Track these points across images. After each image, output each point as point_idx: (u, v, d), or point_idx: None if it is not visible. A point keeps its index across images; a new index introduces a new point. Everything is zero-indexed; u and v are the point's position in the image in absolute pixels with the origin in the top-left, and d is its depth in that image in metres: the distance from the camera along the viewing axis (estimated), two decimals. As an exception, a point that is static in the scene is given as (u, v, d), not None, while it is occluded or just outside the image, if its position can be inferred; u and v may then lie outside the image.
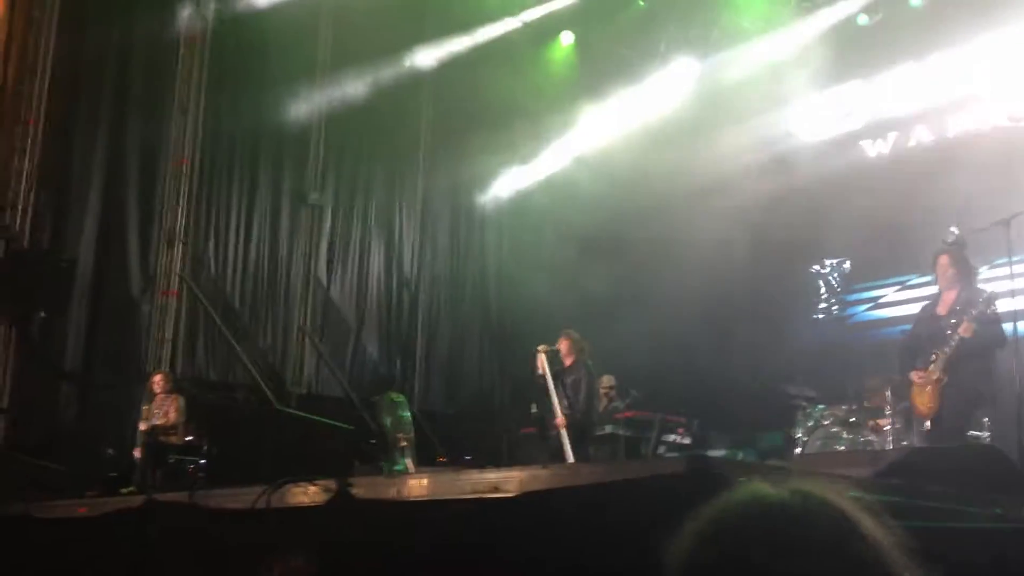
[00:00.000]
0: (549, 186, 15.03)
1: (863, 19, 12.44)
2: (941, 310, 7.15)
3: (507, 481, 3.24)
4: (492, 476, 3.33)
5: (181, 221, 11.86)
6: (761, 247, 12.47)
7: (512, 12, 14.17)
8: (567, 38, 14.63)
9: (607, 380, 11.18)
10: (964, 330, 6.75)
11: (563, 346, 9.08)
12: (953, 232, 8.98)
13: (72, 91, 11.21)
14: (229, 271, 12.37)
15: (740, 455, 11.05)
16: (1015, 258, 6.96)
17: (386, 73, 13.50)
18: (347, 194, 13.77)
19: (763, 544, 1.21)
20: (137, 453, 9.99)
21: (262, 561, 3.26)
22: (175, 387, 10.42)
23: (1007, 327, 6.85)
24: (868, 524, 1.24)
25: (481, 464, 9.41)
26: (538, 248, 15.33)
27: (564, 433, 8.51)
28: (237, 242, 12.49)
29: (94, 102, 11.41)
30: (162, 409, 10.13)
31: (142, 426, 10.07)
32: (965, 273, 7.20)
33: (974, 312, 6.76)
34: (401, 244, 14.21)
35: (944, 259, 7.25)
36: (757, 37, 13.15)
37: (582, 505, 3.00)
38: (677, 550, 1.28)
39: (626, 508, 2.87)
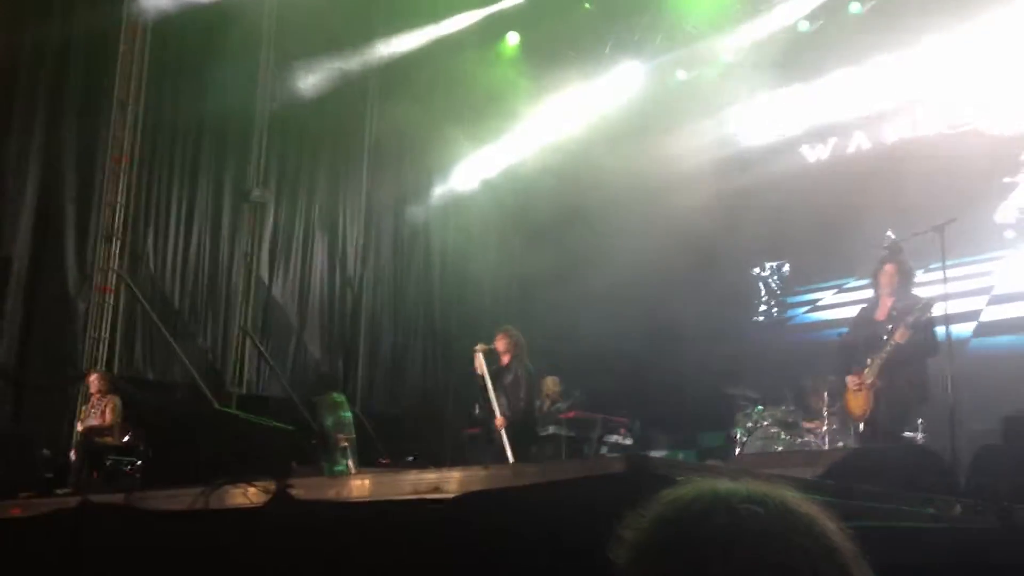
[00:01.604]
0: (494, 186, 15.06)
1: (804, 26, 12.63)
2: (879, 315, 7.28)
3: (447, 481, 3.24)
4: (432, 476, 3.33)
5: (119, 217, 11.65)
6: (702, 249, 12.61)
7: (458, 11, 14.16)
8: (513, 38, 14.65)
9: (551, 382, 11.22)
10: (899, 336, 6.88)
11: (500, 344, 9.03)
12: (889, 236, 9.17)
13: (8, 85, 10.95)
14: (168, 269, 12.17)
15: (681, 455, 11.17)
16: (949, 262, 7.11)
17: (331, 70, 13.43)
18: (290, 192, 13.63)
19: (715, 543, 1.21)
20: (73, 454, 9.83)
21: None
22: (111, 387, 10.26)
23: (940, 331, 6.99)
24: (826, 524, 1.25)
25: (424, 465, 9.39)
26: (483, 248, 15.34)
27: (504, 433, 8.51)
28: (177, 239, 12.28)
29: (30, 96, 11.16)
30: (98, 409, 9.98)
31: (78, 427, 9.92)
32: (905, 280, 7.34)
33: (910, 319, 6.89)
34: (345, 243, 14.11)
35: (891, 267, 7.38)
36: (700, 41, 13.29)
37: (522, 505, 3.00)
38: (624, 545, 1.27)
39: (567, 507, 2.87)
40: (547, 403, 11.14)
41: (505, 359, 8.99)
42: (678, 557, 1.21)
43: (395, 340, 14.42)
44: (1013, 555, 3.38)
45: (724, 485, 1.28)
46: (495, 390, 8.73)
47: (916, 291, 7.44)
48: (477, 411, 9.39)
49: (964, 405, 6.85)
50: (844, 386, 7.38)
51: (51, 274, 11.12)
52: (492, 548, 2.85)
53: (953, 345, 7.05)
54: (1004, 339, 10.59)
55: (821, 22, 12.53)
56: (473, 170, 14.95)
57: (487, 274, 15.25)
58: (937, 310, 7.05)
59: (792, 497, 1.26)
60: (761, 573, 1.18)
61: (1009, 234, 10.85)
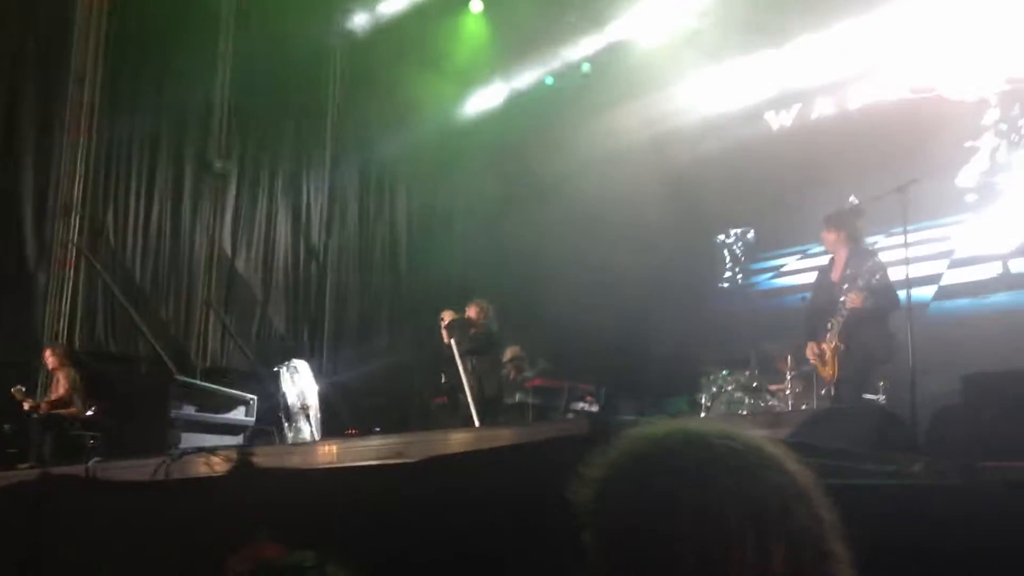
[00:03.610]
0: (459, 154, 14.97)
1: (768, -8, 12.59)
2: (834, 276, 7.35)
3: (411, 446, 3.23)
4: (395, 441, 3.32)
5: (79, 190, 11.48)
6: (668, 217, 12.62)
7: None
8: (477, 6, 14.53)
9: (513, 350, 11.22)
10: (852, 300, 6.94)
11: (471, 312, 9.05)
12: (852, 201, 9.22)
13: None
14: (129, 242, 12.01)
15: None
16: (910, 226, 7.15)
17: (293, 38, 13.25)
18: (252, 162, 13.47)
19: (691, 474, 1.20)
20: (33, 428, 9.75)
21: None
22: (65, 359, 10.17)
23: (900, 293, 7.05)
24: (794, 465, 1.26)
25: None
26: (448, 217, 15.29)
27: (472, 402, 8.50)
28: (138, 212, 12.12)
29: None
30: (52, 383, 9.93)
31: (31, 402, 9.85)
32: (853, 239, 7.39)
33: (860, 283, 6.95)
34: (308, 213, 14.00)
35: (830, 236, 7.45)
36: (664, 8, 13.24)
37: (486, 468, 3.00)
38: (589, 482, 1.26)
39: (531, 470, 2.87)
40: (513, 372, 11.15)
41: (475, 328, 8.98)
42: (652, 488, 1.20)
43: (361, 310, 14.36)
44: (973, 511, 3.42)
45: (693, 424, 1.28)
46: (463, 358, 8.72)
47: (870, 249, 7.51)
48: (444, 380, 9.39)
49: (924, 367, 6.90)
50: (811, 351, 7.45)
51: (10, 248, 10.95)
52: (455, 511, 2.84)
53: (914, 308, 7.09)
54: (963, 302, 10.70)
55: (785, -12, 12.51)
56: (437, 138, 14.85)
57: (453, 242, 15.21)
58: (898, 273, 7.10)
59: (761, 437, 1.28)
60: (736, 505, 1.19)
61: (970, 198, 10.95)
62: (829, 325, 7.14)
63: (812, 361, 7.30)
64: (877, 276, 6.97)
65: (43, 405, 9.84)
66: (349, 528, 3.19)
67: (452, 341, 8.74)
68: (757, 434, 1.30)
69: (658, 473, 1.22)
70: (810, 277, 9.88)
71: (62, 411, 9.81)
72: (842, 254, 7.37)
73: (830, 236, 7.45)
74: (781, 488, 1.22)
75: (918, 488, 3.69)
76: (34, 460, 9.03)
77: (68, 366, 10.10)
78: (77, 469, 4.57)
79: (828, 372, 7.23)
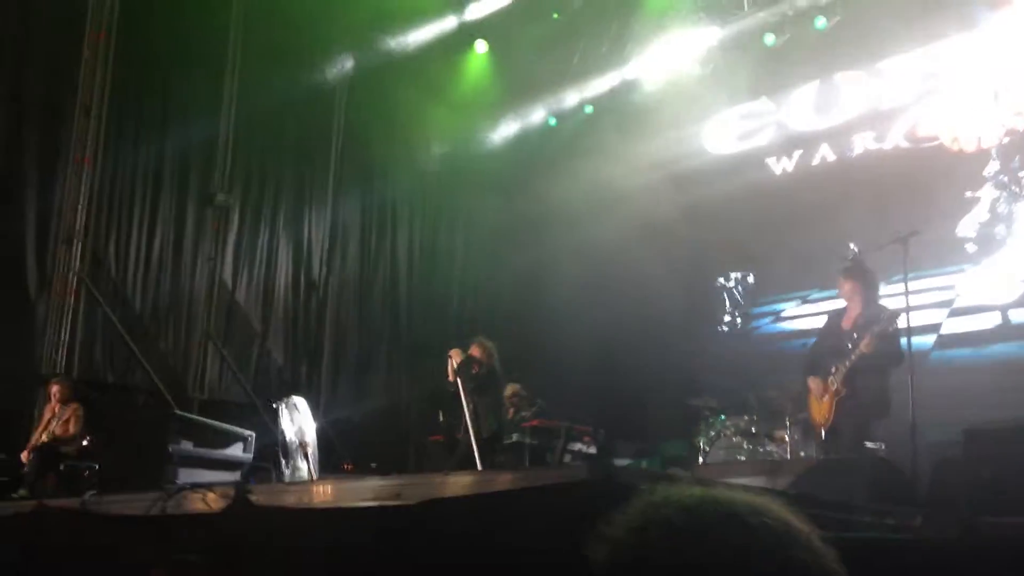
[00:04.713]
0: (461, 192, 15.02)
1: (770, 39, 12.72)
2: (846, 324, 7.37)
3: (409, 488, 3.21)
4: (394, 483, 3.30)
5: (81, 220, 11.51)
6: (668, 260, 12.66)
7: (427, 19, 14.16)
8: (482, 47, 14.66)
9: (513, 388, 11.20)
10: (865, 346, 6.96)
11: (475, 351, 9.08)
12: (853, 249, 9.26)
13: (-32, 86, 10.81)
14: (130, 272, 12.03)
15: (644, 463, 11.18)
16: (911, 275, 7.18)
17: (298, 74, 13.35)
18: (255, 196, 13.51)
19: (730, 554, 1.19)
20: (24, 457, 9.68)
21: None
22: (73, 394, 10.12)
23: (905, 342, 7.06)
24: (819, 541, 1.24)
25: (387, 472, 9.33)
26: (449, 256, 15.32)
27: (473, 441, 8.49)
28: (139, 242, 12.15)
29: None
30: (59, 418, 9.86)
31: (40, 435, 9.79)
32: (869, 290, 7.43)
33: (876, 329, 6.96)
34: (310, 247, 14.02)
35: (848, 285, 7.51)
36: (668, 54, 13.37)
37: (484, 512, 2.99)
38: (614, 544, 1.24)
39: (529, 516, 2.86)
40: (511, 411, 11.12)
41: (478, 367, 9.00)
42: (688, 562, 1.19)
43: (360, 345, 14.34)
44: (974, 567, 3.40)
45: (721, 493, 1.26)
46: (466, 397, 8.72)
47: (883, 301, 7.54)
48: (441, 418, 9.38)
49: (924, 416, 6.91)
50: (807, 392, 7.44)
51: (11, 276, 10.96)
52: (452, 555, 2.83)
53: (914, 357, 7.11)
54: (964, 351, 10.69)
55: (787, 36, 12.64)
56: (440, 176, 14.92)
57: (454, 281, 15.22)
58: (900, 321, 7.12)
59: (787, 510, 1.26)
60: None
61: (970, 248, 10.97)
62: (833, 369, 7.16)
63: (814, 390, 7.29)
64: (892, 327, 7.00)
65: (56, 439, 9.78)
66: (345, 569, 3.17)
67: (458, 380, 8.75)
68: (783, 510, 1.27)
69: (694, 547, 1.20)
70: (810, 323, 9.92)
71: (64, 448, 9.75)
72: (856, 303, 7.41)
73: (846, 285, 7.51)
74: (809, 568, 1.20)
75: (918, 542, 3.67)
76: (28, 491, 8.97)
77: (76, 401, 10.05)
78: (71, 502, 4.55)
79: (822, 415, 7.23)
